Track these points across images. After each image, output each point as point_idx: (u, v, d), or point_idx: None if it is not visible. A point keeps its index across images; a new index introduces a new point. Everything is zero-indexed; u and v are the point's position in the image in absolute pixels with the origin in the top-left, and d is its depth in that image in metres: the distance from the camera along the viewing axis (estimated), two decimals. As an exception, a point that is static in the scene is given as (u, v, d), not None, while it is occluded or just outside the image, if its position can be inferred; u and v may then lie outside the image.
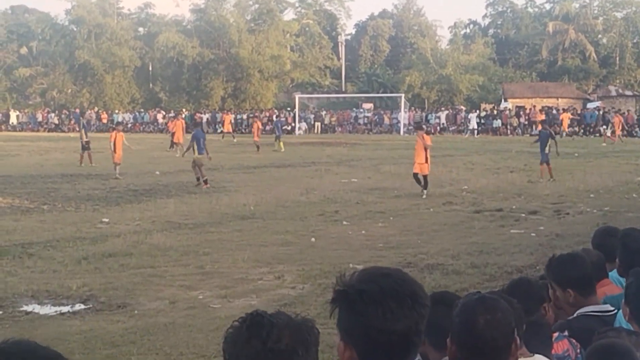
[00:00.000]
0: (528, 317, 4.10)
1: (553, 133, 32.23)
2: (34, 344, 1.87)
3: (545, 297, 5.01)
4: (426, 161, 25.76)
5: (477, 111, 75.01)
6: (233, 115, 77.52)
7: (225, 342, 2.48)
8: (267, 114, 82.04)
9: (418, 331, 2.60)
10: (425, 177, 25.81)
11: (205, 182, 29.02)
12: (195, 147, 29.66)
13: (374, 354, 2.51)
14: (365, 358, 2.47)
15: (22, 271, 14.73)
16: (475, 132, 69.61)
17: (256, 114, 72.59)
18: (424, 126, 28.82)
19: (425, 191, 25.57)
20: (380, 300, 2.54)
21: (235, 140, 60.58)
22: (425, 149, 25.72)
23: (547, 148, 30.30)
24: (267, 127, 78.32)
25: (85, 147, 38.81)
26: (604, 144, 52.43)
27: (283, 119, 71.45)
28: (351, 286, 2.61)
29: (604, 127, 61.35)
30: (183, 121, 52.04)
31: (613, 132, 56.86)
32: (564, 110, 70.07)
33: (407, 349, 2.59)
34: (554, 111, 72.63)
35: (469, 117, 72.06)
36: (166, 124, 66.25)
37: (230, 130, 65.98)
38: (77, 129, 56.05)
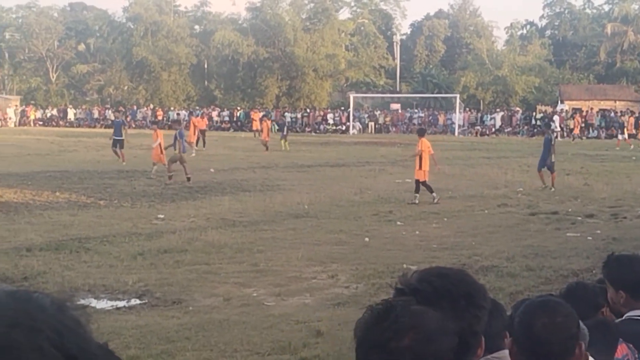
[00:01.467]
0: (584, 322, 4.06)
1: (554, 139, 30.34)
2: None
3: (603, 303, 4.94)
4: (420, 167, 24.99)
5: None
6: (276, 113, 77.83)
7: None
8: (322, 113, 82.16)
9: (473, 332, 2.58)
10: (417, 182, 24.93)
11: (170, 177, 29.74)
12: (179, 144, 30.36)
13: None
14: None
15: (79, 265, 14.90)
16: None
17: (265, 113, 72.52)
18: (423, 130, 27.98)
19: (416, 196, 24.60)
20: (434, 300, 2.54)
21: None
22: (420, 156, 25.15)
23: (553, 156, 28.68)
24: (321, 127, 78.59)
25: (117, 144, 39.00)
26: (617, 148, 51.82)
27: (287, 119, 70.03)
28: (408, 285, 2.61)
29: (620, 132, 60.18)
30: (196, 120, 52.73)
31: (630, 135, 56.37)
32: (624, 114, 69.31)
33: (462, 350, 2.58)
34: (612, 114, 71.91)
35: (553, 119, 70.68)
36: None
37: (259, 128, 65.69)
38: (134, 126, 56.68)
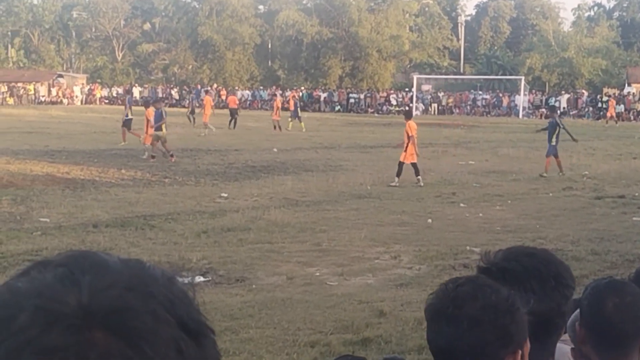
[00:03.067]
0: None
1: (561, 122, 28.61)
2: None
3: None
4: (405, 149, 24.56)
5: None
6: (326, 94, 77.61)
7: None
8: (385, 94, 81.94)
9: (561, 313, 2.57)
10: (413, 165, 24.48)
11: (153, 157, 29.89)
12: (154, 124, 30.51)
13: None
14: None
15: (144, 242, 15.07)
16: None
17: (276, 93, 72.27)
18: (409, 113, 27.34)
19: (397, 179, 24.11)
20: (523, 279, 2.52)
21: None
22: (409, 138, 24.68)
23: (554, 139, 27.03)
24: (384, 108, 78.41)
25: (126, 123, 37.69)
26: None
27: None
28: (495, 264, 2.59)
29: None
30: (211, 99, 51.35)
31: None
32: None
33: (549, 330, 2.57)
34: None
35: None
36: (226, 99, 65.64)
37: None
38: (197, 105, 56.82)
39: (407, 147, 24.53)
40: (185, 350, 1.00)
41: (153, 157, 29.88)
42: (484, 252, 2.67)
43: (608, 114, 60.32)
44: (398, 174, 24.18)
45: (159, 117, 30.40)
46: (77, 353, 0.93)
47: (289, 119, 49.49)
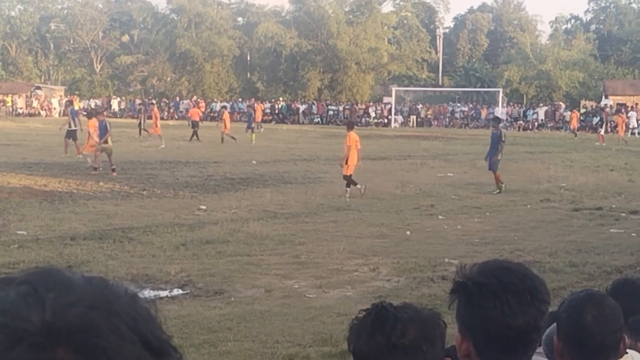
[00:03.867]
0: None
1: (504, 135, 27.45)
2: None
3: None
4: (347, 162, 24.60)
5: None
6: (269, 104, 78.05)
7: (350, 333, 2.44)
8: (364, 107, 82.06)
9: (537, 327, 2.58)
10: (345, 177, 24.59)
11: (95, 169, 29.38)
12: (96, 135, 30.11)
13: (491, 348, 2.49)
14: (482, 351, 2.46)
15: (122, 255, 15.02)
16: (637, 132, 67.38)
17: (225, 105, 72.81)
18: (352, 124, 26.76)
19: (348, 189, 24.23)
20: (499, 294, 2.53)
21: (262, 130, 60.35)
22: (349, 149, 24.72)
23: (499, 154, 26.43)
24: (363, 120, 78.51)
25: (71, 134, 37.13)
26: (597, 144, 50.92)
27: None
28: (471, 278, 2.60)
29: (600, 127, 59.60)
30: (157, 110, 50.23)
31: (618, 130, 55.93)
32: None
33: (525, 345, 2.58)
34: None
35: (628, 115, 69.99)
36: (187, 110, 65.08)
37: (259, 120, 65.87)
38: (176, 117, 56.66)
39: (347, 159, 24.62)
40: None
41: (95, 169, 29.27)
42: (460, 266, 2.68)
43: (571, 126, 60.80)
44: (348, 186, 24.32)
45: (104, 129, 29.78)
46: None
47: (247, 132, 49.34)
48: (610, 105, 74.16)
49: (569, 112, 71.01)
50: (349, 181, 24.33)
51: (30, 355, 0.94)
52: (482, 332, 2.45)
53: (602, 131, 55.06)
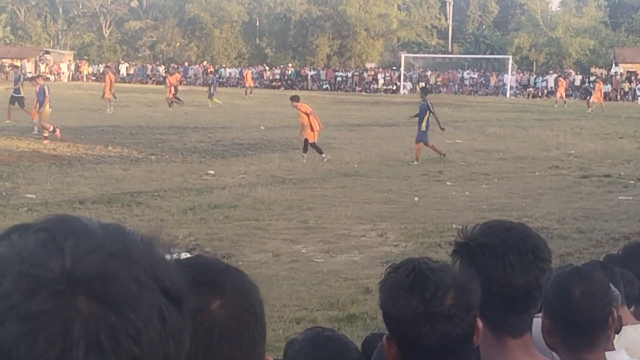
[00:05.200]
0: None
1: (432, 106, 26.43)
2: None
3: None
4: (312, 129, 24.53)
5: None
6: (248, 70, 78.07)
7: (384, 293, 2.38)
8: (373, 73, 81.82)
9: (539, 286, 2.58)
10: (306, 141, 24.55)
11: (46, 137, 28.11)
12: (37, 101, 29.24)
13: (493, 307, 2.49)
14: (485, 311, 2.45)
15: (130, 219, 15.05)
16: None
17: (172, 67, 72.90)
18: (297, 96, 26.39)
19: (305, 155, 24.35)
20: (502, 253, 2.54)
21: (251, 94, 60.54)
22: (308, 116, 24.67)
23: (424, 124, 25.62)
24: (372, 87, 78.29)
25: (16, 99, 35.12)
26: (589, 111, 50.22)
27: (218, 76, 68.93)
28: (473, 239, 2.60)
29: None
30: (112, 75, 48.54)
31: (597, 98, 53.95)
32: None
33: (527, 303, 2.58)
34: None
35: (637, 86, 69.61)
36: (164, 78, 64.52)
37: (252, 85, 66.81)
38: (185, 83, 56.39)
39: (311, 126, 24.57)
40: (167, 317, 1.00)
41: (46, 137, 28.03)
42: (462, 228, 2.68)
43: (557, 95, 59.70)
44: (319, 152, 24.38)
45: (42, 94, 29.09)
46: (61, 319, 0.93)
47: (209, 98, 49.10)
48: (621, 73, 73.81)
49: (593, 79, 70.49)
50: (315, 148, 24.36)
51: (51, 303, 0.94)
52: (484, 291, 2.44)
53: (591, 99, 53.69)
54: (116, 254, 0.99)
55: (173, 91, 47.60)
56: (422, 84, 38.22)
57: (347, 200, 17.69)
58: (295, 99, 25.83)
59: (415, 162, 24.44)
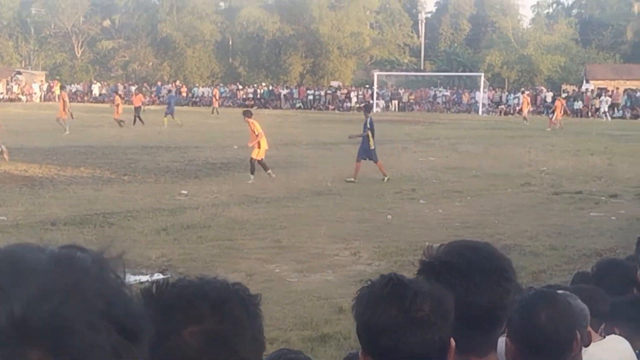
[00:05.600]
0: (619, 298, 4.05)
1: (369, 123, 25.43)
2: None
3: (636, 279, 4.89)
4: (259, 146, 24.50)
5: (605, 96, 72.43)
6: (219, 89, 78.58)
7: (360, 304, 2.37)
8: (345, 91, 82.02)
9: (503, 306, 2.59)
10: (252, 160, 24.39)
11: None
12: None
13: (458, 326, 2.50)
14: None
15: (103, 240, 14.95)
16: (608, 116, 67.05)
17: (138, 87, 74.09)
18: (249, 112, 26.11)
19: (252, 176, 23.95)
20: (467, 273, 2.55)
21: (218, 114, 60.91)
22: (257, 136, 24.54)
23: (371, 142, 24.99)
24: (345, 105, 78.46)
25: None
26: (549, 129, 49.83)
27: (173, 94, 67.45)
28: (438, 258, 2.61)
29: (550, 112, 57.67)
30: (66, 94, 48.45)
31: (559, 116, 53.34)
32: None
33: (492, 322, 2.59)
34: (638, 93, 71.42)
35: (600, 100, 70.05)
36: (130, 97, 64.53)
37: (218, 105, 67.32)
38: (158, 102, 56.35)
39: (259, 144, 24.51)
40: (124, 355, 0.98)
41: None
42: (427, 247, 2.69)
43: (524, 112, 59.35)
44: (264, 169, 24.29)
45: None
46: None
47: (165, 117, 49.18)
48: (592, 90, 74.39)
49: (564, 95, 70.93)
50: (262, 165, 24.28)
51: (2, 353, 0.90)
52: None
53: (554, 117, 52.78)
54: (68, 297, 0.95)
55: (120, 111, 47.43)
56: (364, 105, 37.68)
57: (321, 219, 17.68)
58: (247, 114, 25.58)
59: (386, 179, 24.30)
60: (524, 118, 57.61)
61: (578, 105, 71.77)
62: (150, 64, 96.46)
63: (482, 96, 75.42)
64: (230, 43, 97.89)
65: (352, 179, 24.10)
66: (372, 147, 24.92)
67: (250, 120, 24.84)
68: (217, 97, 68.70)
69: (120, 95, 53.71)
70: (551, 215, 18.62)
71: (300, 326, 10.08)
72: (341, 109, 77.58)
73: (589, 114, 69.85)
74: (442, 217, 18.23)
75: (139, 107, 50.56)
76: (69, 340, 0.93)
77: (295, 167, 27.71)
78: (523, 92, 66.88)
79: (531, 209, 19.63)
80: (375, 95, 77.92)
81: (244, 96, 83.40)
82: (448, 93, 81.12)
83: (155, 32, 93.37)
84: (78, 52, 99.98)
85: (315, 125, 50.84)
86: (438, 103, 79.69)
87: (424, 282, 2.39)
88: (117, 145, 34.03)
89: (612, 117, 67.03)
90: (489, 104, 76.76)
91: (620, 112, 70.19)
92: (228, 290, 1.78)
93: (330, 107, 78.70)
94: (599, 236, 16.01)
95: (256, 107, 77.25)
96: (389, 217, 18.10)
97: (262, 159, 24.44)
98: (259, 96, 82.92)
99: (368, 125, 25.27)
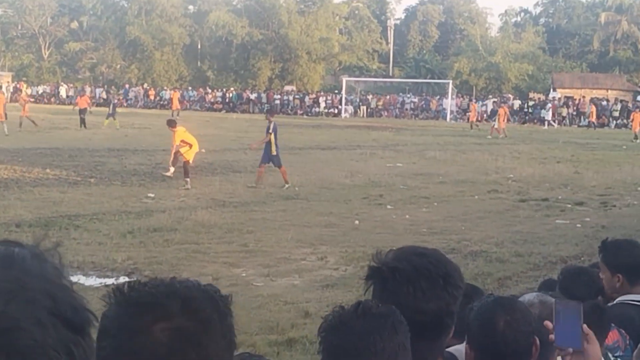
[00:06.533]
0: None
1: (271, 127, 24.74)
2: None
3: (601, 286, 4.92)
4: (191, 147, 24.31)
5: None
6: (180, 92, 78.35)
7: (330, 327, 2.44)
8: (314, 96, 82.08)
9: (450, 312, 2.60)
10: (185, 164, 23.87)
11: None
12: None
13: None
14: None
15: (68, 242, 14.83)
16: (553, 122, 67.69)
17: (21, 88, 74.05)
18: (173, 122, 25.70)
19: (187, 180, 23.32)
20: (413, 279, 2.57)
21: (179, 116, 60.77)
22: (173, 146, 24.47)
23: (273, 147, 24.42)
24: (314, 110, 78.54)
25: None
26: (489, 137, 49.49)
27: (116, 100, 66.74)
28: (386, 264, 2.63)
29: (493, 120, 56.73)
30: (3, 95, 48.23)
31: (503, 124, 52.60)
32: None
33: (438, 329, 2.60)
34: (604, 102, 72.02)
35: (546, 108, 70.51)
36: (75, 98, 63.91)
37: (179, 108, 66.74)
38: (125, 105, 55.98)
39: (190, 145, 24.32)
40: (75, 351, 0.96)
41: None
42: (375, 252, 2.70)
43: (471, 118, 58.70)
44: (187, 175, 23.61)
45: None
46: None
47: (107, 119, 48.59)
48: (559, 98, 74.95)
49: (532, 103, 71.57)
50: (185, 170, 23.65)
51: None
52: None
53: (496, 124, 52.17)
54: (14, 296, 0.94)
55: (28, 110, 46.23)
56: (267, 109, 36.86)
57: (288, 224, 17.67)
58: (170, 124, 25.27)
59: (254, 185, 23.69)
60: (476, 125, 55.76)
61: (545, 113, 72.25)
62: (118, 66, 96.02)
63: (450, 103, 75.76)
64: (199, 47, 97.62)
65: (254, 185, 23.60)
66: (274, 153, 24.34)
67: (175, 129, 24.47)
68: (176, 100, 68.03)
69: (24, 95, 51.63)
70: (517, 222, 18.72)
71: (267, 330, 10.06)
72: (310, 114, 77.61)
73: (556, 122, 70.29)
74: (409, 223, 18.28)
75: (85, 109, 49.30)
76: (18, 341, 0.91)
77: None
78: (502, 105, 65.72)
79: (497, 215, 19.74)
80: (343, 101, 78.04)
81: (212, 100, 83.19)
82: (416, 99, 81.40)
83: (124, 34, 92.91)
84: (45, 54, 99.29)
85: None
86: (406, 109, 79.90)
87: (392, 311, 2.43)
88: (83, 148, 33.83)
89: (579, 126, 67.53)
90: (456, 111, 77.09)
91: (587, 120, 70.66)
92: (199, 289, 1.78)
93: (299, 111, 78.70)
94: (565, 243, 16.11)
95: (225, 111, 77.30)
96: (356, 222, 18.12)
97: (189, 160, 23.99)
98: (227, 100, 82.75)
99: (270, 130, 24.59)
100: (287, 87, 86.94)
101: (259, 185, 23.65)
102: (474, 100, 71.93)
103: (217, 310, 1.73)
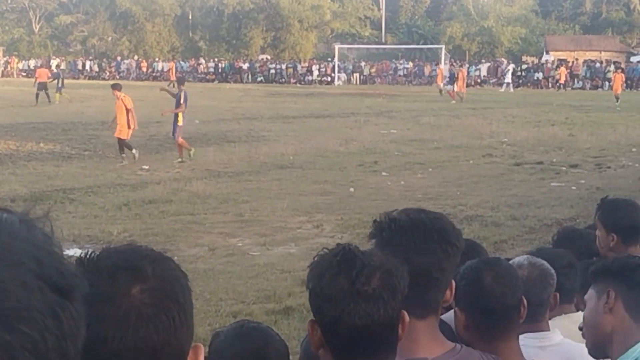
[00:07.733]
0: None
1: (182, 97, 23.78)
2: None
3: (597, 249, 4.91)
4: (129, 126, 22.94)
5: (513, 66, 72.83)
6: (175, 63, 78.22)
7: (312, 271, 2.38)
8: (307, 65, 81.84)
9: (441, 269, 2.60)
10: (120, 140, 22.83)
11: None
12: None
13: None
14: None
15: (63, 216, 14.84)
16: (510, 86, 67.29)
17: (78, 61, 72.44)
18: (119, 85, 24.12)
19: (124, 155, 22.44)
20: (407, 229, 2.59)
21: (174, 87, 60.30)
22: (128, 111, 22.99)
23: (181, 118, 23.65)
24: (307, 78, 78.35)
25: None
26: (453, 102, 48.48)
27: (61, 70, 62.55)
28: (387, 215, 2.68)
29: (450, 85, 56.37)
30: None
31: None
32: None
33: (427, 284, 2.59)
34: (597, 65, 71.90)
35: (508, 68, 70.47)
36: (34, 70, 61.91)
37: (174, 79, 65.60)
38: (118, 77, 55.59)
39: (128, 122, 23.01)
40: (62, 315, 0.96)
41: None
42: (383, 213, 2.72)
43: (458, 88, 55.82)
44: (129, 148, 22.74)
45: None
46: None
47: (57, 93, 47.04)
48: (552, 61, 74.79)
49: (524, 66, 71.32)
50: (125, 145, 22.73)
51: None
52: None
53: (455, 88, 52.05)
54: (0, 259, 0.95)
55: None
56: (178, 77, 36.09)
57: (283, 193, 17.69)
58: (116, 86, 23.80)
59: (191, 153, 23.09)
60: (458, 94, 53.92)
61: (538, 76, 72.19)
62: (110, 38, 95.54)
63: (443, 68, 75.55)
64: (190, 17, 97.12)
65: (180, 159, 22.76)
66: (180, 124, 23.54)
67: (120, 93, 23.17)
68: (174, 71, 67.77)
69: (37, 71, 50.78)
70: (512, 186, 18.77)
71: (263, 299, 10.09)
72: (303, 83, 77.42)
73: (550, 85, 70.21)
74: (405, 189, 18.31)
75: (44, 83, 47.32)
76: (4, 305, 0.91)
77: (257, 141, 27.63)
78: (460, 68, 64.66)
79: (493, 179, 19.77)
80: (336, 69, 77.79)
81: (205, 70, 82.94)
82: (409, 66, 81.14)
83: (114, 6, 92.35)
84: (36, 27, 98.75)
85: (276, 99, 50.70)
86: (399, 76, 79.68)
87: (378, 254, 2.38)
88: (77, 121, 33.75)
89: (573, 88, 67.45)
90: (449, 76, 76.91)
91: (580, 83, 70.63)
92: (159, 252, 1.80)
93: (292, 80, 78.50)
94: (560, 206, 16.15)
95: (217, 82, 77.07)
96: (352, 189, 18.13)
97: (126, 139, 22.88)
98: (220, 70, 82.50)
99: (182, 100, 23.66)
100: (262, 56, 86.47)
101: (187, 155, 22.95)
102: (465, 66, 71.20)
103: (180, 270, 1.76)
